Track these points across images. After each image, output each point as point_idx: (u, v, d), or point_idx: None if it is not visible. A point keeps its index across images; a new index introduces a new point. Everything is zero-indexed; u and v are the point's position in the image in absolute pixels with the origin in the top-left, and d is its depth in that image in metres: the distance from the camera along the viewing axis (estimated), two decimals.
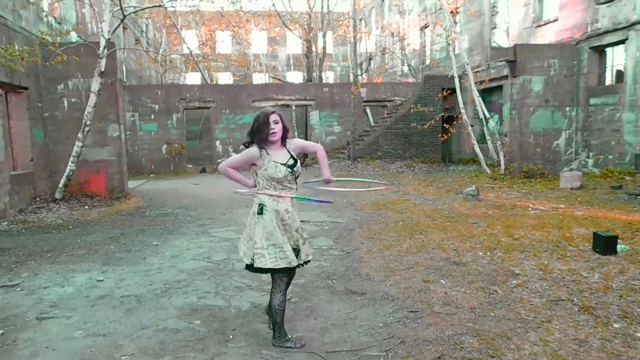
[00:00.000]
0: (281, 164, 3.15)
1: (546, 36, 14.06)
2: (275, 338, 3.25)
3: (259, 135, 3.15)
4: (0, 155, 8.22)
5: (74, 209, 9.18)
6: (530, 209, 8.27)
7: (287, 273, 3.25)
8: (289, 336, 3.28)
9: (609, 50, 12.39)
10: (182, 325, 3.62)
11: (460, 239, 6.09)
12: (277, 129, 3.14)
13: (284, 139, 3.23)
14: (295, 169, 3.22)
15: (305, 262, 3.35)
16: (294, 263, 3.16)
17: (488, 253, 5.39)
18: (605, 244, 5.11)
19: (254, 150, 3.17)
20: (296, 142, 3.36)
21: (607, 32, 11.82)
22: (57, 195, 9.74)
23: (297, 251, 3.23)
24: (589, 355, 2.99)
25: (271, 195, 3.17)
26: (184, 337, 3.42)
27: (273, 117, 3.15)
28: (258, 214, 3.16)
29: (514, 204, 8.87)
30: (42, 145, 10.19)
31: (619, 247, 5.18)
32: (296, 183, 3.29)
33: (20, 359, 3.12)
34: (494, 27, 17.53)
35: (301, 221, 3.45)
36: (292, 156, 3.24)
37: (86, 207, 9.48)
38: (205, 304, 4.08)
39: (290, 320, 3.67)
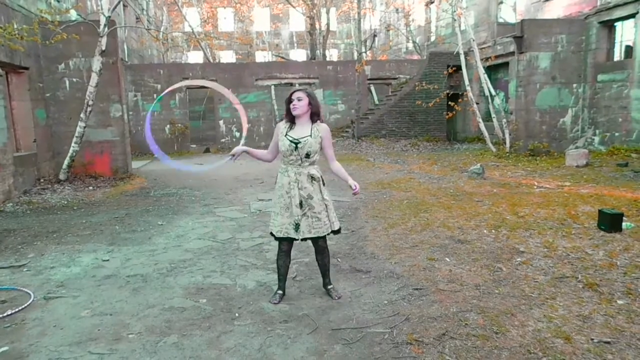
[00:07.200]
0: (287, 137, 3.40)
1: (554, 11, 13.75)
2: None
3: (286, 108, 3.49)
4: (3, 137, 8.20)
5: (78, 190, 9.22)
6: (535, 187, 8.23)
7: (284, 241, 3.57)
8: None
9: (618, 25, 12.11)
10: (188, 304, 3.65)
11: (465, 217, 6.07)
12: (298, 105, 3.38)
13: (314, 117, 3.44)
14: (299, 146, 3.38)
15: (310, 239, 3.52)
16: (282, 234, 3.48)
17: (493, 231, 5.38)
18: (610, 222, 5.08)
19: (279, 124, 3.54)
20: (324, 130, 3.46)
21: (617, 5, 11.54)
22: (61, 176, 9.76)
23: (297, 225, 3.44)
24: (592, 331, 2.99)
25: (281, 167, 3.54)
26: (190, 315, 3.45)
27: (297, 94, 3.43)
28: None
29: (519, 182, 8.82)
30: (44, 126, 10.17)
31: (624, 224, 5.15)
32: (303, 160, 3.43)
33: (28, 337, 3.16)
34: (501, 2, 17.15)
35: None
36: (309, 135, 3.40)
37: (90, 187, 9.51)
38: (211, 283, 4.11)
39: (296, 299, 3.70)
